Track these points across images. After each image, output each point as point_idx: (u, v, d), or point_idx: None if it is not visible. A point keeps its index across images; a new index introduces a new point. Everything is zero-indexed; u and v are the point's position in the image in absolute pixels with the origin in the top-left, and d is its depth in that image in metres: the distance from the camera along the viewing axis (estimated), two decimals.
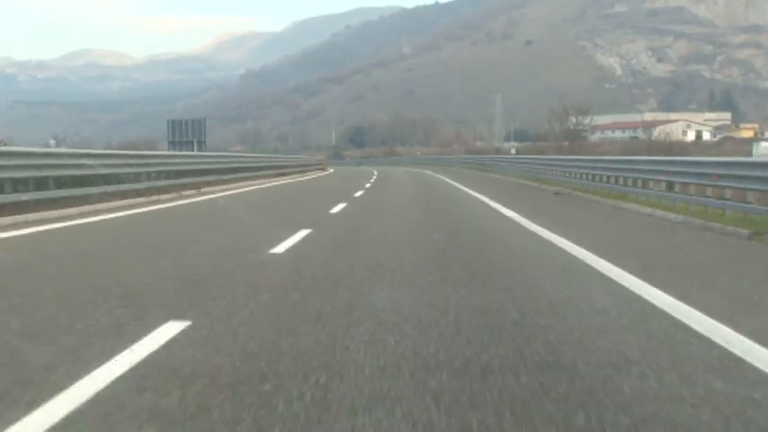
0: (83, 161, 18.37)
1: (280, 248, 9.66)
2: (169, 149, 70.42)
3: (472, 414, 3.46)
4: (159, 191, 21.51)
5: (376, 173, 62.59)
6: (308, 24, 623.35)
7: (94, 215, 15.06)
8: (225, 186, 29.09)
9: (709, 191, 14.80)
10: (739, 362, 4.42)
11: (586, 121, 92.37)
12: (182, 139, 67.10)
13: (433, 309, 5.77)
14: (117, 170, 20.41)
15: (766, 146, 75.70)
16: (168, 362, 4.25)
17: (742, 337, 4.93)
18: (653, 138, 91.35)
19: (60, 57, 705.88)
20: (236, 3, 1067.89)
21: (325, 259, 8.87)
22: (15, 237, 11.22)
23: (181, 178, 25.15)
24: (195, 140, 67.91)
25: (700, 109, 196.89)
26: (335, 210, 17.28)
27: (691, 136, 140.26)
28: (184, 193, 23.22)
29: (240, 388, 3.81)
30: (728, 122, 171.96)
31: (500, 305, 5.92)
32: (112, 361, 4.24)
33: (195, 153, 47.23)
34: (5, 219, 13.27)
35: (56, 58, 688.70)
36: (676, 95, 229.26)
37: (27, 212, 14.01)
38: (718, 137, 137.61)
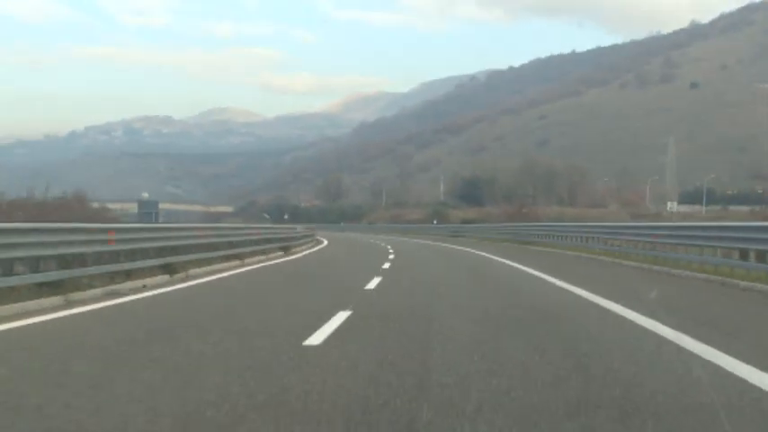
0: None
1: None
2: None
3: None
4: None
5: None
6: (435, 84, 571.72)
7: None
8: None
9: None
10: None
11: None
12: None
13: None
14: None
15: None
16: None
17: None
18: None
19: (197, 114, 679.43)
20: (366, 64, 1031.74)
21: None
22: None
23: None
24: None
25: None
26: None
27: None
28: None
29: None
30: None
31: None
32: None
33: None
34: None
35: (192, 116, 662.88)
36: None
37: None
38: None
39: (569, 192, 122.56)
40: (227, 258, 19.47)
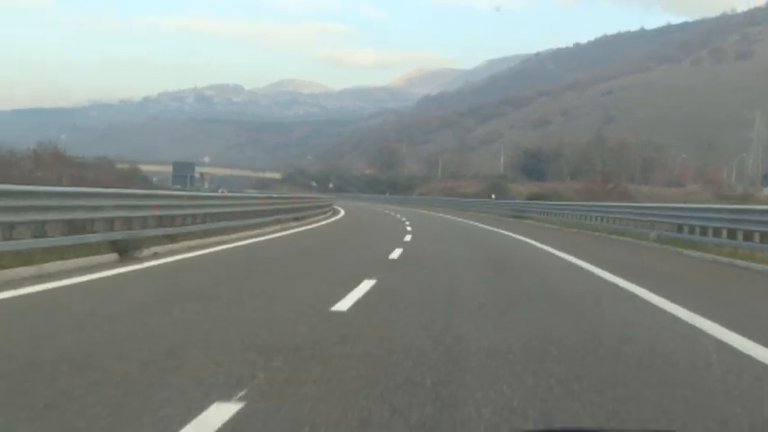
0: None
1: None
2: None
3: None
4: None
5: None
6: (500, 62, 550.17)
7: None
8: None
9: None
10: None
11: None
12: None
13: None
14: None
15: None
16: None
17: None
18: None
19: (267, 85, 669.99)
20: (432, 41, 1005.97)
21: None
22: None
23: None
24: None
25: None
26: None
27: None
28: None
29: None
30: None
31: None
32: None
33: None
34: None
35: (262, 86, 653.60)
36: None
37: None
38: None
39: (643, 169, 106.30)
40: None
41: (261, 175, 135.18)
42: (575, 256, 13.90)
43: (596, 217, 26.30)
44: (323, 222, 26.22)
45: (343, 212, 35.76)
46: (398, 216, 37.42)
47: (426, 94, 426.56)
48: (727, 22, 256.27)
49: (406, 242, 17.02)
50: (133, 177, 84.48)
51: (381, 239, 17.86)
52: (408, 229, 23.75)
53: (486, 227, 28.23)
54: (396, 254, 13.20)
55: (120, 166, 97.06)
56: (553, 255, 14.99)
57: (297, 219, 23.65)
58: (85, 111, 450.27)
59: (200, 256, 11.76)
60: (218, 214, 16.43)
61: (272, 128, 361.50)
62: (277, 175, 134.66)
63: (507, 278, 10.04)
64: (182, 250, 12.36)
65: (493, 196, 64.90)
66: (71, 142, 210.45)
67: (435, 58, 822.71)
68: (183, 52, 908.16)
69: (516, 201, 51.68)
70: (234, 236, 16.25)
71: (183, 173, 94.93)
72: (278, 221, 21.00)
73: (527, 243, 18.48)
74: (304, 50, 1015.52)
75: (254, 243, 15.34)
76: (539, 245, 17.87)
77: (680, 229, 18.03)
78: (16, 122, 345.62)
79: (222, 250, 13.25)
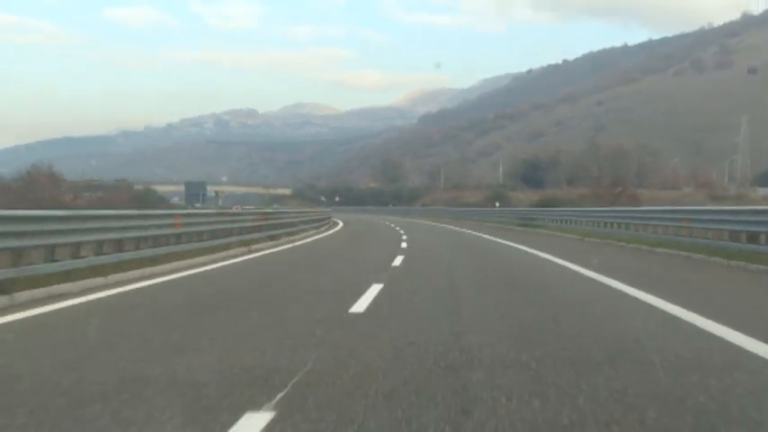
0: None
1: None
2: None
3: None
4: None
5: None
6: (494, 80, 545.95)
7: None
8: None
9: None
10: None
11: None
12: None
13: None
14: None
15: None
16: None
17: None
18: None
19: (280, 108, 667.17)
20: (430, 62, 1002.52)
21: None
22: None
23: None
24: None
25: None
26: None
27: None
28: None
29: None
30: None
31: None
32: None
33: None
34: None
35: (275, 110, 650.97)
36: None
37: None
38: None
39: (638, 173, 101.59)
40: None
41: (272, 191, 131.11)
42: (655, 296, 7.91)
43: (621, 224, 21.69)
44: (307, 240, 21.93)
45: (340, 226, 31.62)
46: (397, 228, 32.96)
47: (427, 111, 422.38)
48: (704, 36, 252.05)
49: (394, 268, 12.19)
50: (147, 198, 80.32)
51: (360, 267, 12.65)
52: (403, 246, 19.13)
53: (497, 239, 23.62)
54: (368, 298, 7.96)
55: (137, 187, 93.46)
56: (625, 295, 8.46)
57: (273, 238, 19.34)
58: (114, 138, 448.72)
59: (53, 312, 6.91)
60: (136, 239, 11.61)
61: (285, 148, 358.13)
62: (288, 191, 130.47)
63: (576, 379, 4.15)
64: (38, 302, 7.53)
65: (497, 204, 60.47)
66: (101, 167, 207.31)
67: (434, 79, 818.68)
68: (202, 80, 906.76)
69: (522, 208, 47.04)
70: (159, 268, 11.15)
71: (195, 192, 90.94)
72: (243, 243, 16.62)
73: (567, 269, 11.88)
74: (314, 75, 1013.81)
75: (177, 280, 10.06)
76: (587, 272, 11.13)
77: (734, 237, 13.46)
78: (49, 149, 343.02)
79: (100, 300, 7.88)
